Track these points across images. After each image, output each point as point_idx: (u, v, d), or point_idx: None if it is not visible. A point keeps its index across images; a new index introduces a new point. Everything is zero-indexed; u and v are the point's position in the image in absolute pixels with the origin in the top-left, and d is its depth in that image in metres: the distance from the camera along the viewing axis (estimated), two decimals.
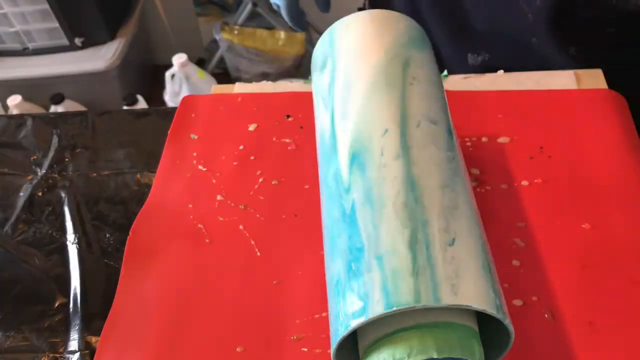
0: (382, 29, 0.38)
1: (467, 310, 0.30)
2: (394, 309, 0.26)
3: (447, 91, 0.40)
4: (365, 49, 0.37)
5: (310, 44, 1.48)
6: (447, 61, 0.61)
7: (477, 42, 0.58)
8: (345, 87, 0.36)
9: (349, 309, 0.28)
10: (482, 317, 0.32)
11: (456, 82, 0.52)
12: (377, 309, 0.27)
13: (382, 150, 0.32)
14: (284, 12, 0.60)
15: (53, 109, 1.33)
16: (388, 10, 0.40)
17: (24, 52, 1.38)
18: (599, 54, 0.52)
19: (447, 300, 0.27)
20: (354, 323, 0.27)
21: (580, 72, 0.51)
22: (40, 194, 0.50)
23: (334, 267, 0.31)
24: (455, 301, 0.27)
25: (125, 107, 1.34)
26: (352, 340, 0.32)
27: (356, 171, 0.32)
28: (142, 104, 1.37)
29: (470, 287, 0.27)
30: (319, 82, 0.39)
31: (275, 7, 0.61)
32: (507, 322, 0.28)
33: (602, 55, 0.52)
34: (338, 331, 0.29)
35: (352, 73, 0.36)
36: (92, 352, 0.39)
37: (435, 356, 0.28)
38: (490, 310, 0.27)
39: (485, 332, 0.32)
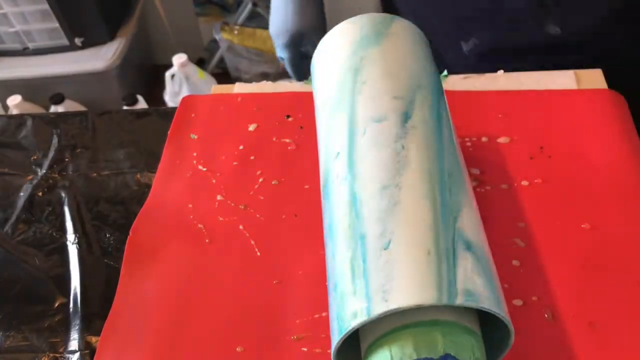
0: (344, 39, 0.39)
1: (467, 309, 0.30)
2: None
3: (447, 91, 0.40)
4: (329, 67, 0.39)
5: None
6: (442, 51, 0.60)
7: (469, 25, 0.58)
8: (323, 107, 0.38)
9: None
10: (482, 317, 0.32)
11: (456, 82, 0.52)
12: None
13: (337, 174, 0.34)
14: (287, 66, 0.62)
15: (53, 109, 1.33)
16: (359, 16, 0.40)
17: (24, 52, 1.38)
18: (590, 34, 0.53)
19: (378, 310, 0.27)
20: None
21: (580, 72, 0.51)
22: (40, 194, 0.50)
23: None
24: (385, 307, 0.27)
25: (125, 107, 1.33)
26: (352, 340, 0.32)
27: (325, 200, 0.34)
28: (142, 104, 1.37)
29: (402, 287, 0.27)
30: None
31: (280, 59, 0.63)
32: (507, 320, 0.28)
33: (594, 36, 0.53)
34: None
35: (322, 93, 0.39)
36: (92, 352, 0.39)
37: (436, 356, 0.28)
38: (430, 301, 0.27)
39: (485, 332, 0.32)
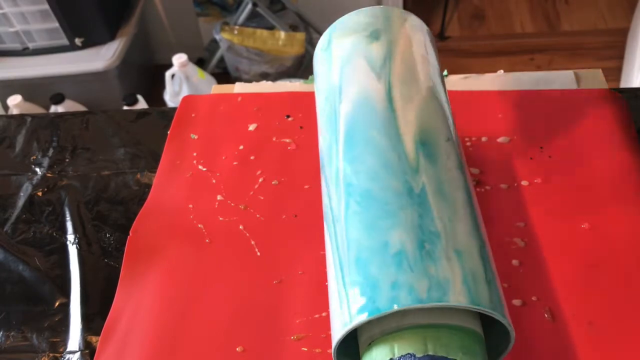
0: (426, 38, 0.40)
1: (472, 312, 0.30)
2: (476, 307, 0.27)
3: (447, 91, 0.40)
4: (422, 50, 0.39)
5: (310, 44, 1.48)
6: None
7: None
8: (406, 72, 0.37)
9: (418, 286, 0.27)
10: (482, 317, 0.32)
11: (456, 82, 0.52)
12: (460, 299, 0.27)
13: (447, 154, 0.33)
14: None
15: (53, 109, 1.33)
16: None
17: (24, 52, 1.38)
18: None
19: (507, 316, 0.29)
20: (426, 302, 0.27)
21: (580, 72, 0.51)
22: (40, 194, 0.50)
23: (393, 235, 0.29)
24: (508, 319, 0.29)
25: (125, 107, 1.33)
26: (352, 340, 0.32)
27: (424, 158, 0.32)
28: (142, 104, 1.37)
29: (503, 301, 0.30)
30: (365, 47, 0.39)
31: None
32: (507, 322, 0.28)
33: None
34: (392, 301, 0.28)
35: (416, 65, 0.37)
36: (92, 352, 0.39)
37: (457, 357, 0.28)
38: (510, 327, 0.29)
39: (485, 332, 0.32)
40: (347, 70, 0.38)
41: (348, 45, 0.39)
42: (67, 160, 0.53)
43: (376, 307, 0.27)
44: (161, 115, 0.56)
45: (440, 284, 0.27)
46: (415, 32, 0.39)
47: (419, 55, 0.38)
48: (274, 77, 1.47)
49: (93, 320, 0.41)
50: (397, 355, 0.28)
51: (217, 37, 1.46)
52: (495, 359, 0.32)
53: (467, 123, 0.48)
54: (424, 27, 0.41)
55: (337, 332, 0.29)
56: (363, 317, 0.27)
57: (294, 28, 1.50)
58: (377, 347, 0.29)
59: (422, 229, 0.29)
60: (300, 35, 1.46)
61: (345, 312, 0.29)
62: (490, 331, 0.32)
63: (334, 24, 0.41)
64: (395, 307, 0.27)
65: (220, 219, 0.45)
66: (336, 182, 0.34)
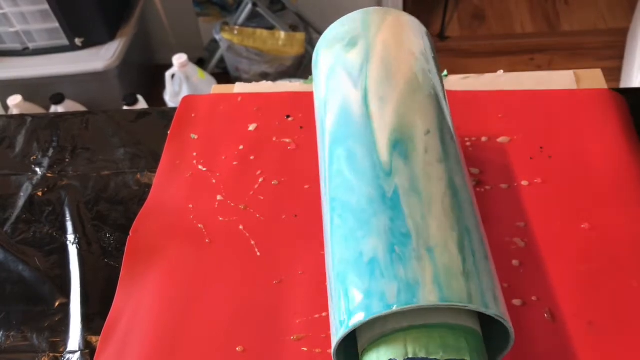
0: (415, 32, 0.39)
1: (473, 315, 0.30)
2: (447, 303, 0.27)
3: (447, 91, 0.40)
4: (404, 47, 0.38)
5: (310, 44, 1.48)
6: None
7: None
8: (383, 74, 0.36)
9: (388, 291, 0.27)
10: (482, 317, 0.32)
11: (456, 82, 0.52)
12: (431, 298, 0.27)
13: (426, 148, 0.33)
14: None
15: (53, 109, 1.33)
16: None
17: (24, 52, 1.38)
18: None
19: (493, 309, 0.28)
20: (397, 305, 0.27)
21: (580, 72, 0.51)
22: (40, 194, 0.50)
23: (366, 244, 0.30)
24: (498, 312, 0.28)
25: (125, 107, 1.33)
26: (351, 339, 0.32)
27: (398, 158, 0.32)
28: (142, 104, 1.37)
29: (502, 299, 0.29)
30: (343, 57, 0.39)
31: None
32: (510, 328, 0.28)
33: None
34: (367, 308, 0.28)
35: (392, 64, 0.37)
36: (92, 352, 0.39)
37: (438, 356, 0.28)
38: (509, 324, 0.29)
39: (485, 332, 0.32)
40: (330, 83, 0.38)
41: (331, 58, 0.39)
42: (67, 160, 0.53)
43: (353, 320, 0.28)
44: (161, 115, 0.56)
45: (410, 286, 0.27)
46: (396, 27, 0.39)
47: (399, 51, 0.37)
48: (274, 77, 1.47)
49: (93, 320, 0.41)
50: None
51: (217, 37, 1.46)
52: (496, 358, 0.32)
53: (467, 123, 0.48)
54: (408, 19, 0.40)
55: (333, 339, 0.29)
56: (342, 331, 0.28)
57: (294, 28, 1.50)
58: (366, 355, 0.30)
59: (393, 232, 0.29)
60: (300, 36, 1.46)
61: (336, 324, 0.29)
62: (492, 330, 0.32)
63: (321, 37, 0.42)
64: (364, 318, 0.27)
65: (220, 219, 0.45)
66: (325, 199, 0.34)
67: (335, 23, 0.41)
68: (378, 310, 0.27)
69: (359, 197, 0.31)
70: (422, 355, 0.28)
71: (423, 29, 0.41)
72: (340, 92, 0.37)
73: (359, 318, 0.28)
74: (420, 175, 0.31)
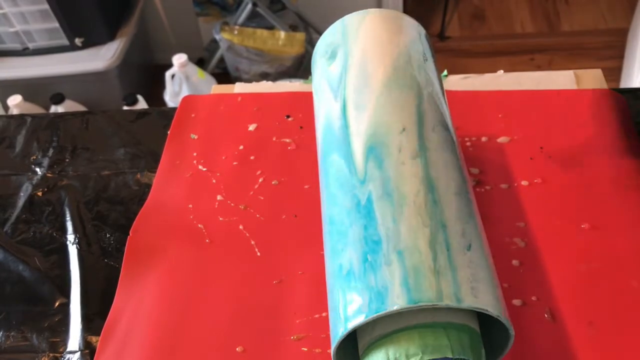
0: (396, 28, 0.38)
1: (469, 311, 0.30)
2: (416, 305, 0.26)
3: (447, 91, 0.40)
4: (382, 46, 0.37)
5: (310, 44, 1.48)
6: None
7: None
8: (361, 79, 0.36)
9: (361, 301, 0.28)
10: (482, 317, 0.32)
11: (456, 82, 0.52)
12: (399, 302, 0.27)
13: (400, 147, 0.32)
14: None
15: (53, 109, 1.33)
16: (395, 11, 0.40)
17: (24, 52, 1.38)
18: None
19: (469, 301, 0.27)
20: (368, 315, 0.27)
21: (580, 72, 0.51)
22: (40, 194, 0.50)
23: (344, 257, 0.30)
24: (476, 303, 0.27)
25: (125, 107, 1.33)
26: (351, 340, 0.32)
27: (372, 164, 0.32)
28: (142, 104, 1.37)
29: (487, 292, 0.28)
30: (326, 71, 0.39)
31: None
32: (508, 324, 0.28)
33: None
34: (345, 321, 0.28)
35: (369, 67, 0.36)
36: (92, 352, 0.39)
37: (438, 357, 0.28)
38: (504, 318, 0.28)
39: (485, 332, 0.32)
40: (318, 98, 0.39)
41: (318, 73, 0.40)
42: (67, 160, 0.53)
43: (337, 333, 0.28)
44: (161, 115, 0.56)
45: (379, 293, 0.27)
46: (374, 29, 0.38)
47: (376, 52, 0.37)
48: (274, 77, 1.47)
49: (93, 320, 0.41)
50: None
51: (217, 37, 1.46)
52: (496, 358, 0.32)
53: (467, 123, 0.48)
54: (390, 15, 0.39)
55: (334, 339, 0.30)
56: (333, 344, 0.29)
57: (294, 28, 1.50)
58: (372, 351, 0.29)
59: (366, 240, 0.29)
60: (300, 35, 1.46)
61: (332, 333, 0.30)
62: (490, 331, 0.32)
63: (313, 51, 0.42)
64: (342, 332, 0.28)
65: (220, 219, 0.45)
66: (322, 215, 0.35)
67: (322, 35, 0.41)
68: (357, 322, 0.27)
69: (340, 210, 0.32)
70: (402, 358, 0.28)
71: (409, 21, 0.40)
72: (324, 105, 0.38)
73: (341, 332, 0.28)
74: (393, 177, 0.31)
